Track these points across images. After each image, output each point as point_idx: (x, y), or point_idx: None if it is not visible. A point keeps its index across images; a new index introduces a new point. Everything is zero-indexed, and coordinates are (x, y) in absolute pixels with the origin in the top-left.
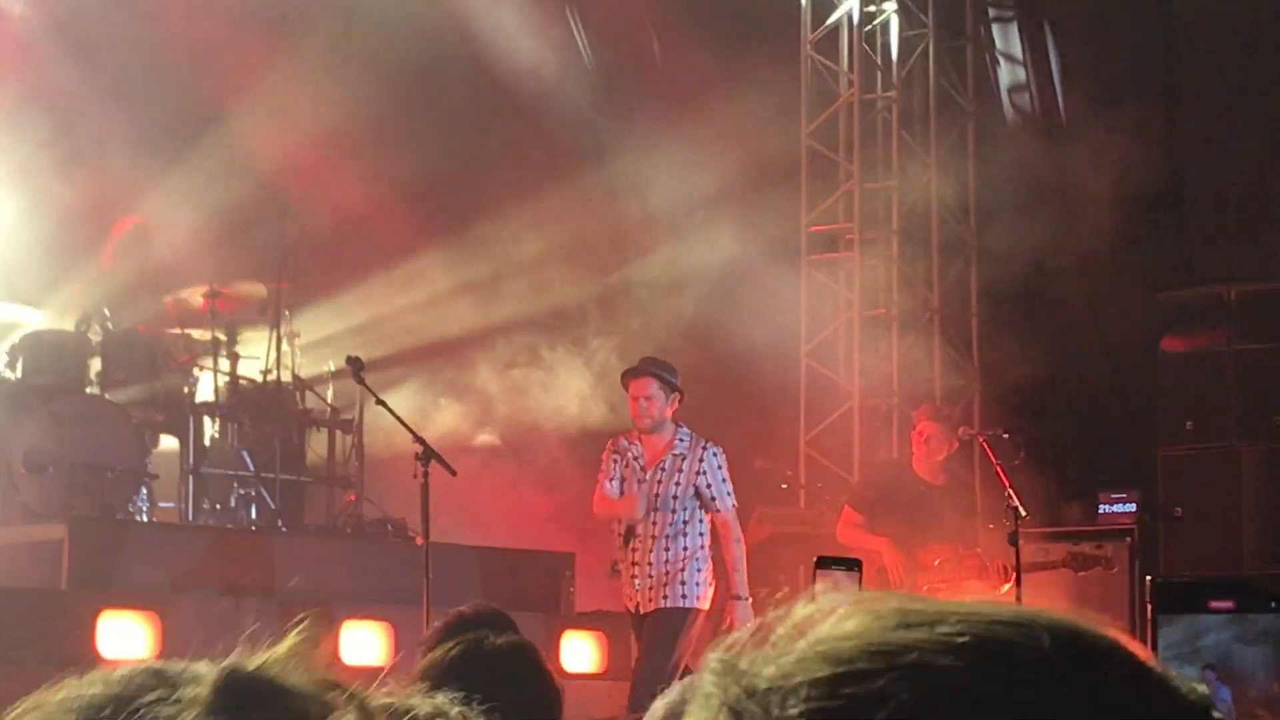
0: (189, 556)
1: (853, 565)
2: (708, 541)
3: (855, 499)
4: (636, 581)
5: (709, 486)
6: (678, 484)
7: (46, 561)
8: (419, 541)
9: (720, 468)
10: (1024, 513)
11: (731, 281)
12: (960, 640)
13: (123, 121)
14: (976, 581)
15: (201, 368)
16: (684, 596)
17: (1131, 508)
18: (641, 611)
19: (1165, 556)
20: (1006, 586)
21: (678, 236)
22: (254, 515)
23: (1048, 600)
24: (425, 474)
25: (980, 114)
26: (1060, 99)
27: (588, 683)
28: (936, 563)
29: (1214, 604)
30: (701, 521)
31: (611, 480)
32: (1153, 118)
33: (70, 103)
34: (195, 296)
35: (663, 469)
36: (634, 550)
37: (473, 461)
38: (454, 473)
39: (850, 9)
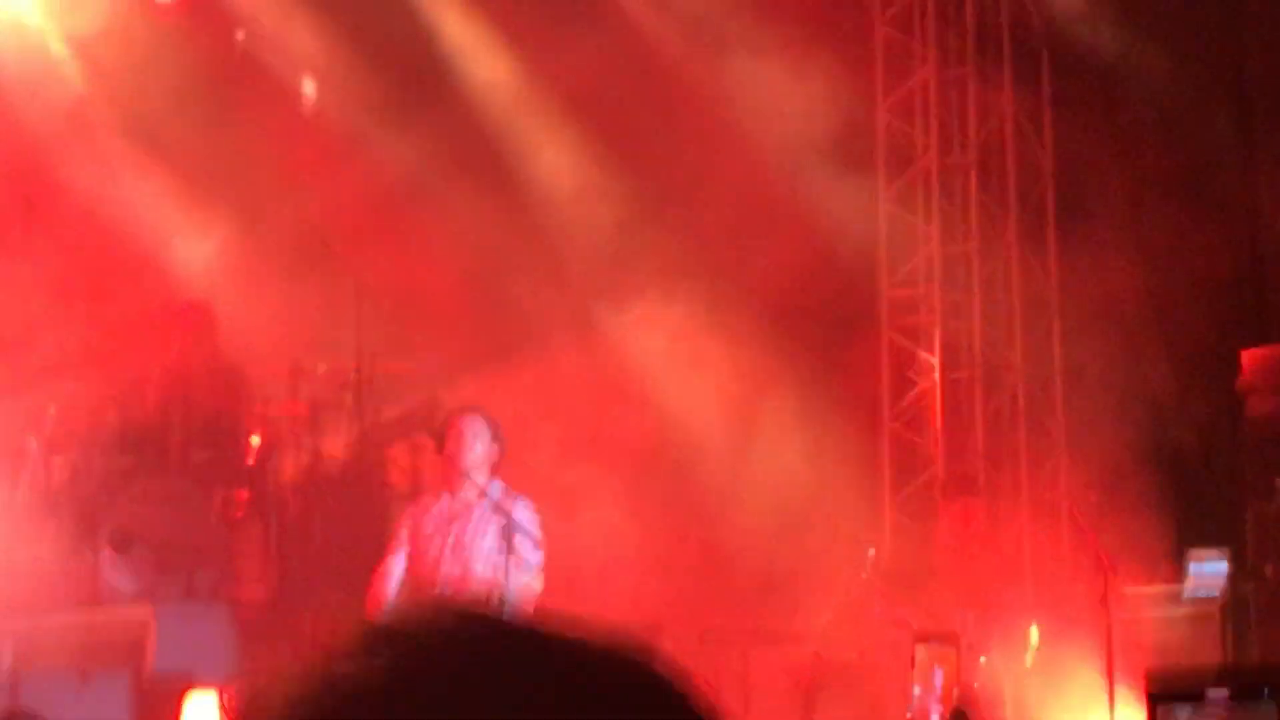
0: (275, 636)
1: (947, 638)
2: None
3: None
4: None
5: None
6: (485, 536)
7: (133, 642)
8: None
9: (530, 522)
10: (1114, 573)
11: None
12: None
13: (197, 201)
14: None
15: (284, 446)
16: None
17: (1222, 565)
18: None
19: (1256, 614)
20: None
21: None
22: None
23: (1136, 655)
24: (511, 545)
25: (1060, 175)
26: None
27: None
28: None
29: (1210, 692)
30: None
31: (396, 554)
32: (1231, 177)
33: (139, 179)
34: (276, 375)
35: (470, 520)
36: None
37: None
38: (537, 545)
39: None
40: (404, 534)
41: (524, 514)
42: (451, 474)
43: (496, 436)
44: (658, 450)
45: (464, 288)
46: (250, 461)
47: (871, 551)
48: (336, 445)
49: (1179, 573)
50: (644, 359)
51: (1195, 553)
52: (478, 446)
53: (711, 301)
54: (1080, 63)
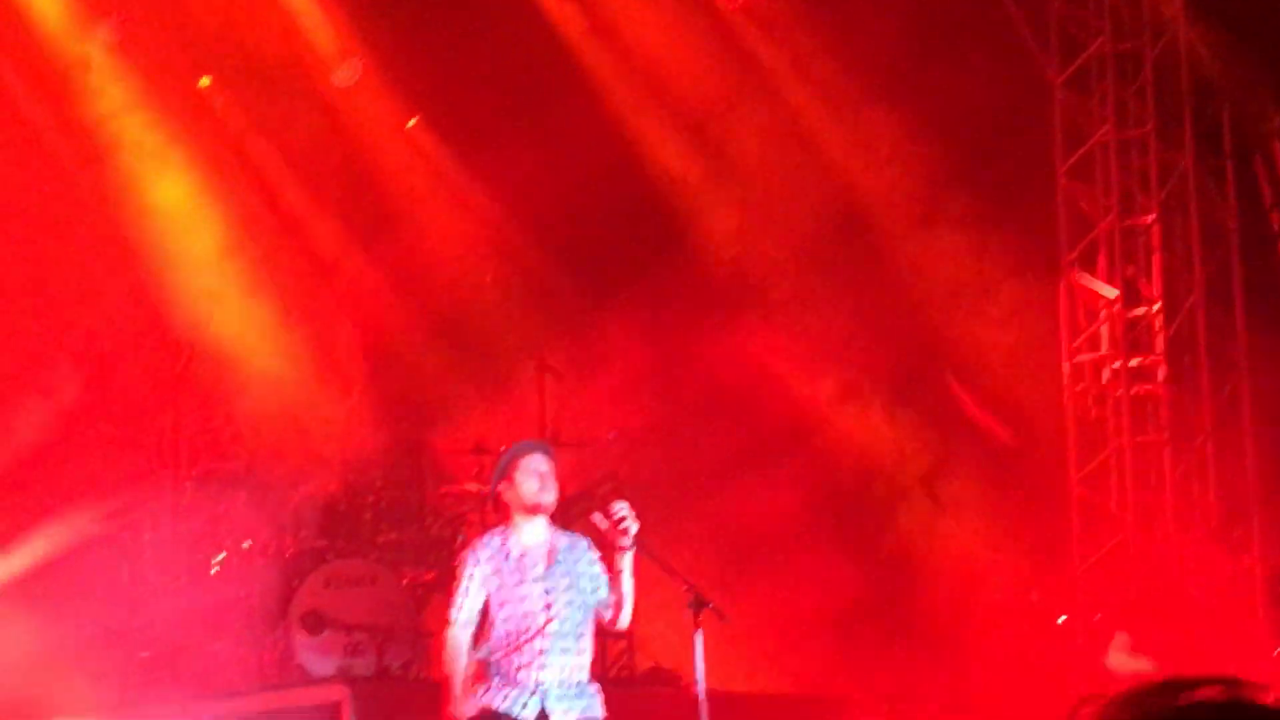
0: None
1: None
2: None
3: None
4: (559, 688)
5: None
6: (592, 571)
7: None
8: (694, 691)
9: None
10: None
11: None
12: None
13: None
14: None
15: (469, 525)
16: (601, 706)
17: None
18: None
19: None
20: None
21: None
22: None
23: None
24: (697, 621)
25: (1246, 245)
26: None
27: None
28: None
29: None
30: None
31: (459, 608)
32: None
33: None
34: (460, 455)
35: (559, 560)
36: (540, 653)
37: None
38: (725, 619)
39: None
40: (475, 578)
41: (590, 547)
42: (522, 512)
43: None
44: (840, 517)
45: (643, 363)
46: (438, 540)
47: (1062, 619)
48: None
49: None
50: (828, 430)
51: None
52: (554, 486)
53: (893, 367)
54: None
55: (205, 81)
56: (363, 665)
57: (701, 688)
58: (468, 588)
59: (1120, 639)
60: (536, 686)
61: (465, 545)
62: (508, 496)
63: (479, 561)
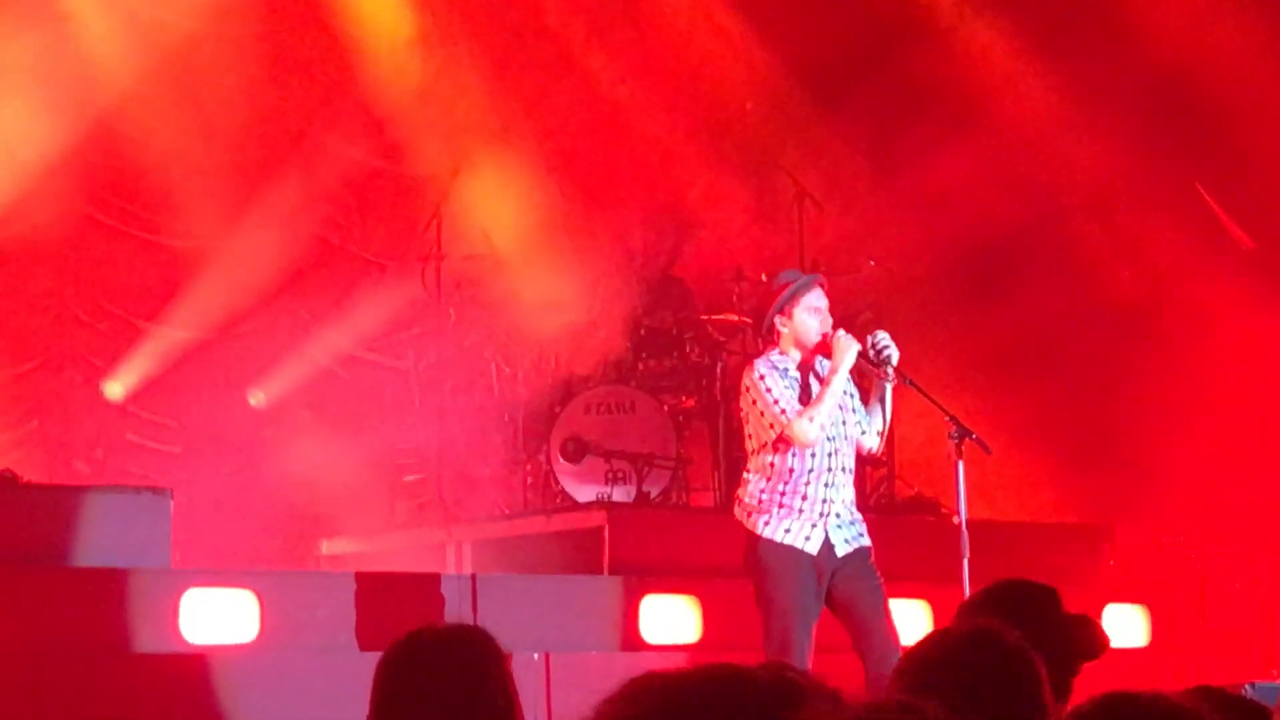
0: (725, 540)
1: None
2: None
3: None
4: (837, 519)
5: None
6: (857, 401)
7: (588, 548)
8: (954, 520)
9: None
10: None
11: None
12: None
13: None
14: None
15: (728, 353)
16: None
17: None
18: (840, 554)
19: None
20: None
21: None
22: None
23: None
24: (959, 451)
25: None
26: None
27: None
28: None
29: None
30: None
31: (786, 403)
32: None
33: None
34: (720, 284)
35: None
36: (825, 485)
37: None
38: (989, 450)
39: None
40: (781, 384)
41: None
42: (801, 350)
43: None
44: (1102, 339)
45: (899, 196)
46: (697, 368)
47: None
48: None
49: None
50: (1083, 244)
51: None
52: (829, 319)
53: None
54: None
55: None
56: (622, 492)
57: (963, 516)
58: (782, 391)
59: None
60: (820, 518)
61: (726, 374)
62: (785, 330)
63: (779, 375)
